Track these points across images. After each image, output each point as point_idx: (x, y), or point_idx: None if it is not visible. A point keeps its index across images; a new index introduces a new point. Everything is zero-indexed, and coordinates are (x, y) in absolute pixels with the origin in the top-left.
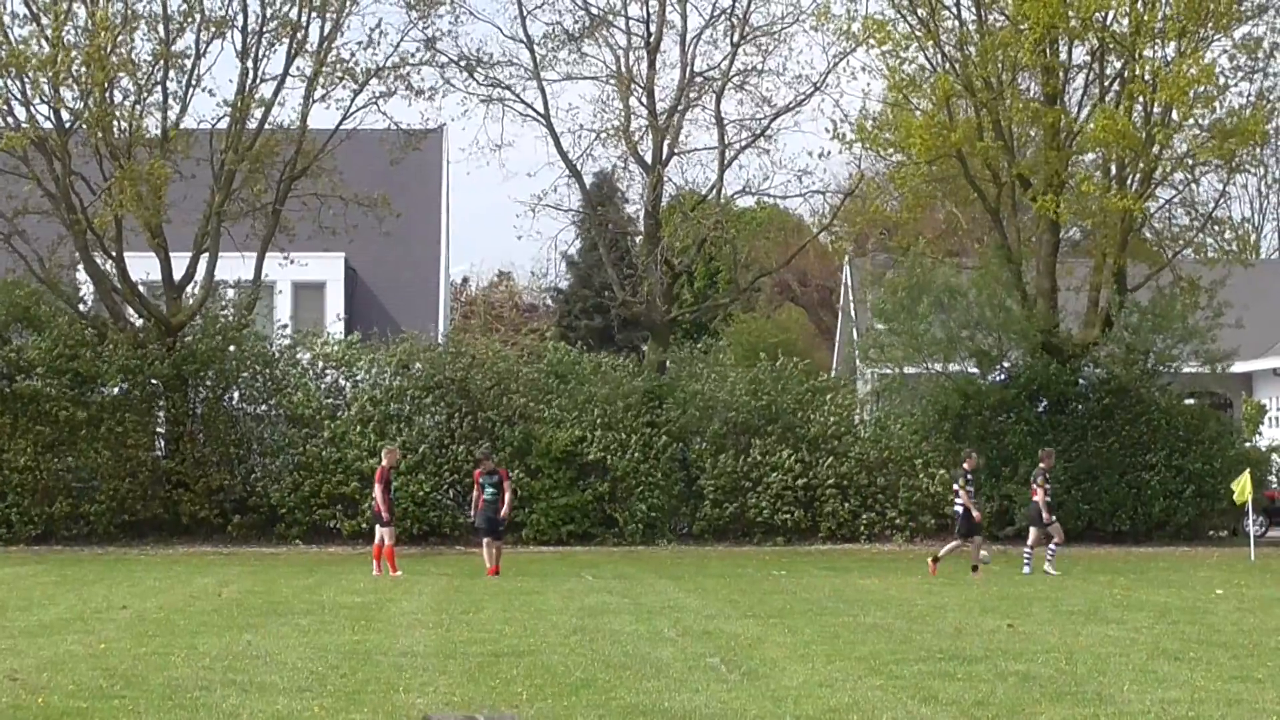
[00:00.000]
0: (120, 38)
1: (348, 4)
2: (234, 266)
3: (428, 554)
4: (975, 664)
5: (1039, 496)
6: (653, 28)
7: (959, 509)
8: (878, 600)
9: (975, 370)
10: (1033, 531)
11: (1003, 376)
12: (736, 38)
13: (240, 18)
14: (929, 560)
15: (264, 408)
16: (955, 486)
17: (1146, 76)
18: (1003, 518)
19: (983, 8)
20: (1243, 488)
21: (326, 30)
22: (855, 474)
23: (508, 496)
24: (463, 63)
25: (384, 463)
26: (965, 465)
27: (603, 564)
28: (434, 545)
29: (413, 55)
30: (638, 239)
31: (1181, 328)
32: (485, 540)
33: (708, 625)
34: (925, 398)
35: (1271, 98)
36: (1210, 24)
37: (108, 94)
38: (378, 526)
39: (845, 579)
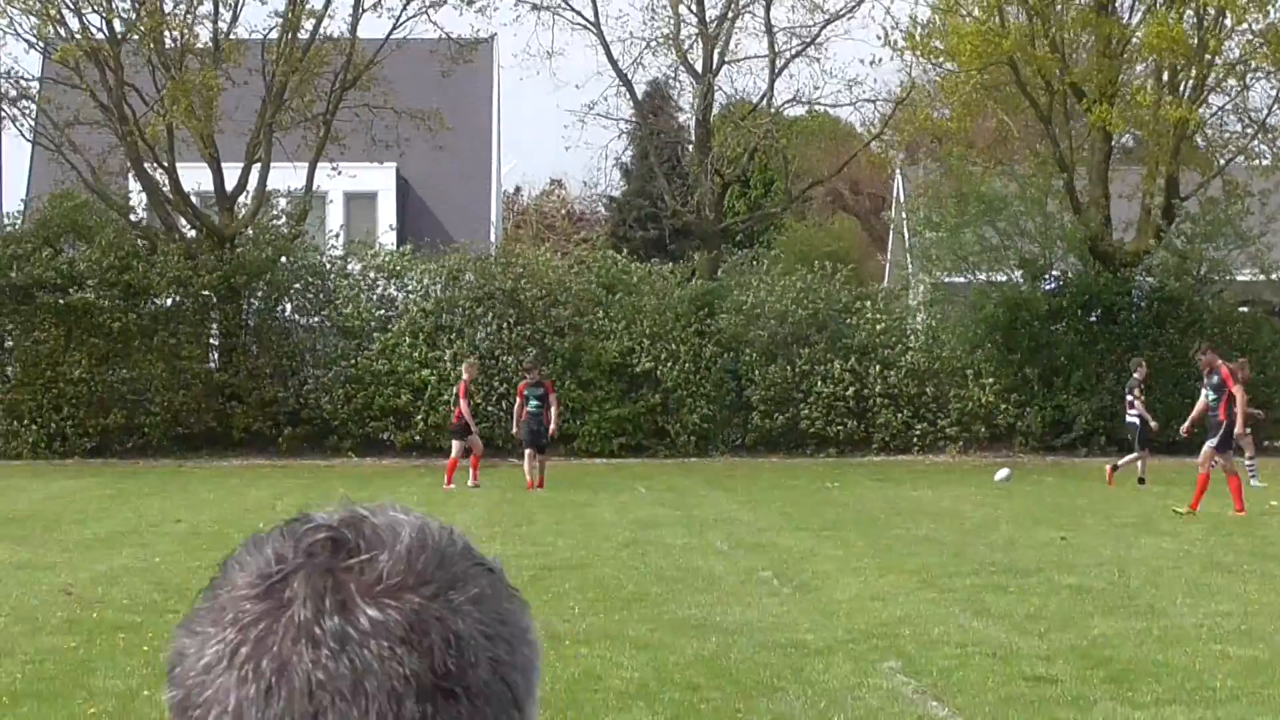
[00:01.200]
0: None
1: None
2: (286, 177)
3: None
4: (1027, 577)
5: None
6: None
7: (1133, 419)
8: (930, 512)
9: (1027, 278)
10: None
11: (1052, 285)
12: None
13: None
14: (1106, 468)
15: (316, 319)
16: (1129, 397)
17: None
18: (1056, 428)
19: None
20: None
21: None
22: (905, 384)
23: (554, 410)
24: None
25: (465, 376)
26: (1136, 374)
27: (655, 476)
28: (487, 458)
29: None
30: (689, 149)
31: (1233, 234)
32: (528, 453)
33: (760, 538)
34: (974, 308)
35: None
36: None
37: (159, 3)
38: (454, 440)
39: (897, 490)
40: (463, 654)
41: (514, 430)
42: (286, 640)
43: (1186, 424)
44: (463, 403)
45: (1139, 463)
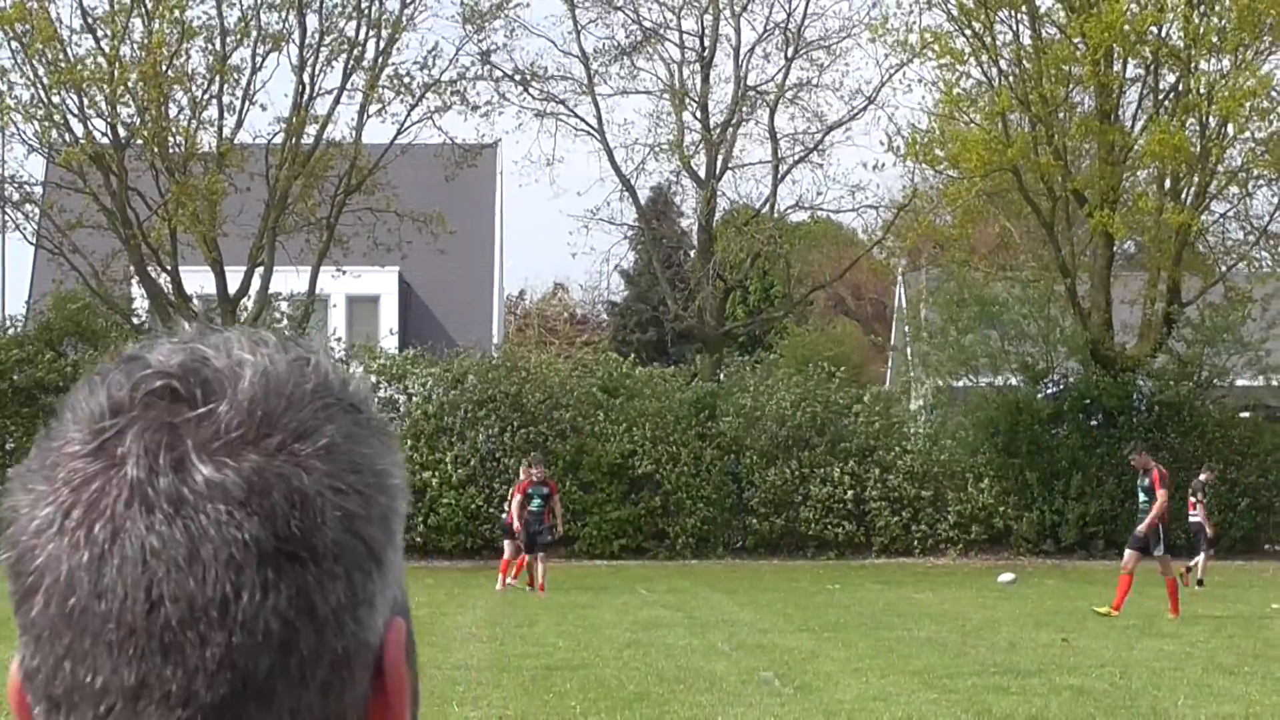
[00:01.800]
0: (175, 52)
1: (404, 21)
2: (288, 280)
3: (480, 568)
4: (1029, 678)
5: (1199, 514)
6: (706, 42)
7: (1195, 520)
8: (932, 614)
9: (1027, 382)
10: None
11: (1052, 389)
12: (790, 52)
13: (296, 33)
14: (1183, 571)
15: None
16: (1192, 499)
17: (1201, 90)
18: (1054, 533)
19: (1038, 21)
20: None
21: (382, 46)
22: (904, 487)
23: (558, 509)
24: (518, 77)
25: (522, 477)
26: (1202, 477)
27: (656, 578)
28: (487, 559)
29: (468, 70)
30: (691, 253)
31: (1234, 340)
32: (527, 557)
33: (761, 639)
34: (974, 411)
35: None
36: (1268, 37)
37: (163, 109)
38: (507, 540)
39: (899, 593)
40: (308, 514)
41: (515, 527)
42: (119, 503)
43: (1141, 527)
44: (516, 498)
45: (1199, 565)
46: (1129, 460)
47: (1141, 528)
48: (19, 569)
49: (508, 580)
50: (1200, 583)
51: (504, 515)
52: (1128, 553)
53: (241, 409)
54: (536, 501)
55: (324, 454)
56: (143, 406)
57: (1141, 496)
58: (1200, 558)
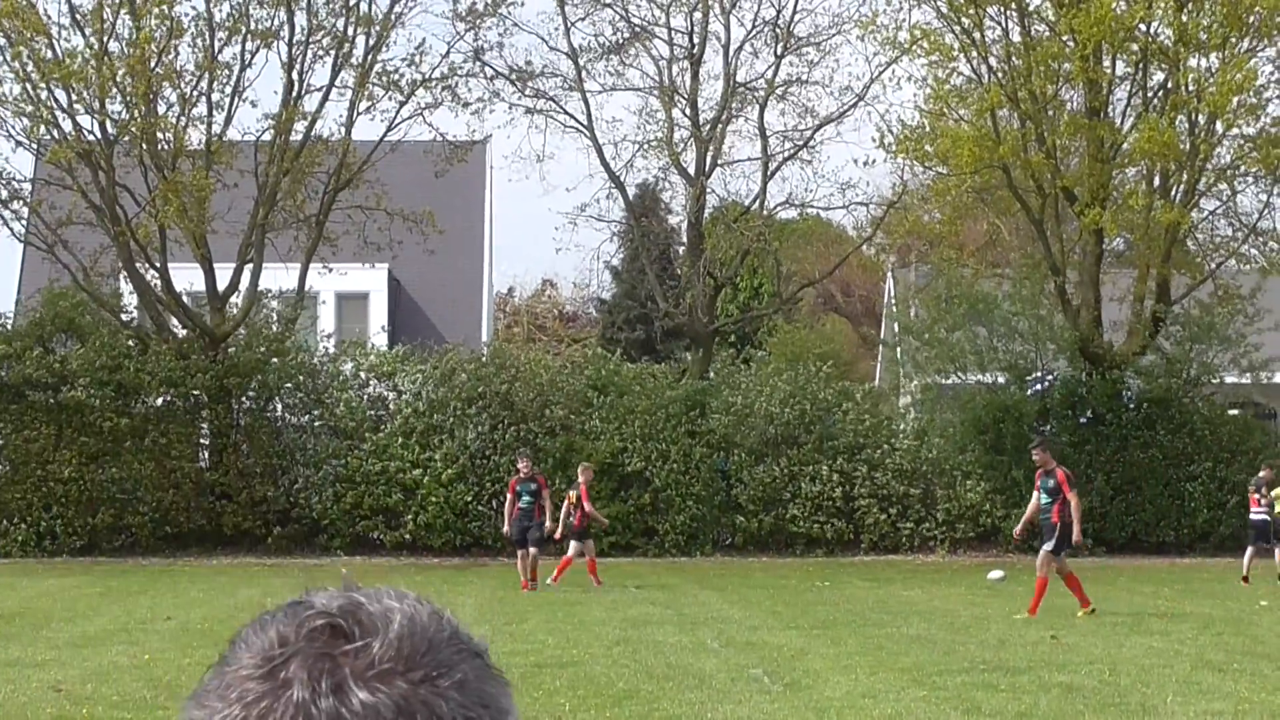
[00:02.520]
0: (164, 48)
1: (393, 18)
2: (278, 277)
3: (470, 565)
4: (1019, 675)
5: (1262, 509)
6: (695, 38)
7: (1258, 517)
8: (921, 611)
9: (1013, 380)
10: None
11: (1039, 387)
12: (780, 48)
13: (286, 29)
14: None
15: (307, 419)
16: (1255, 495)
17: (1189, 87)
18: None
19: (1027, 18)
20: None
21: (372, 43)
22: (893, 484)
23: (547, 506)
24: (509, 74)
25: (581, 479)
26: (1262, 474)
27: (645, 575)
28: (476, 557)
29: (459, 67)
30: (680, 250)
31: (1220, 337)
32: (520, 553)
33: (751, 636)
34: (963, 408)
35: None
36: (1253, 34)
37: (152, 105)
38: (572, 541)
39: (888, 590)
40: None
41: (504, 529)
42: (285, 719)
43: (1019, 526)
44: (586, 505)
45: (1254, 558)
46: (1031, 455)
47: (1076, 535)
48: None
49: (552, 579)
50: (1246, 579)
51: (574, 516)
52: (1042, 555)
53: (392, 645)
54: (525, 498)
55: (459, 688)
56: (307, 640)
57: (1044, 498)
58: (1250, 552)
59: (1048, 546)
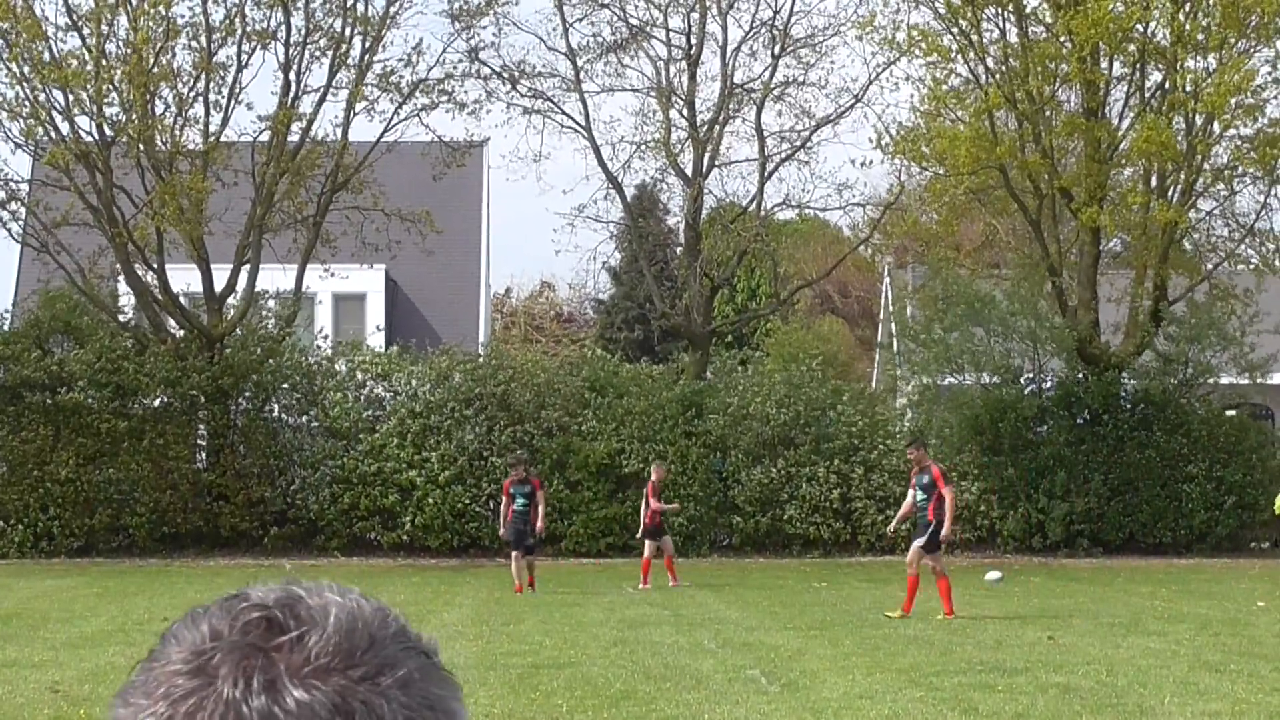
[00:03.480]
0: (161, 49)
1: (389, 19)
2: (275, 278)
3: (467, 566)
4: (1016, 676)
5: None
6: (693, 40)
7: None
8: (918, 612)
9: (1010, 381)
10: None
11: (1034, 388)
12: (778, 49)
13: (282, 30)
14: None
15: (303, 419)
16: None
17: (1187, 87)
18: (1040, 531)
19: (1024, 19)
20: None
21: (368, 44)
22: (890, 485)
23: (541, 508)
24: (505, 74)
25: (654, 477)
26: None
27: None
28: (473, 558)
29: (455, 67)
30: (678, 251)
31: (1218, 336)
32: (514, 554)
33: (748, 637)
34: (959, 409)
35: None
36: (1252, 34)
37: (149, 107)
38: (647, 541)
39: (885, 590)
40: None
41: (500, 531)
42: (214, 717)
43: (893, 523)
44: (653, 502)
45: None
46: (906, 455)
47: (946, 530)
48: None
49: (645, 582)
50: None
51: (645, 516)
52: (912, 552)
53: (329, 640)
54: (520, 500)
55: (402, 686)
56: (240, 634)
57: (919, 495)
58: None
59: (919, 543)
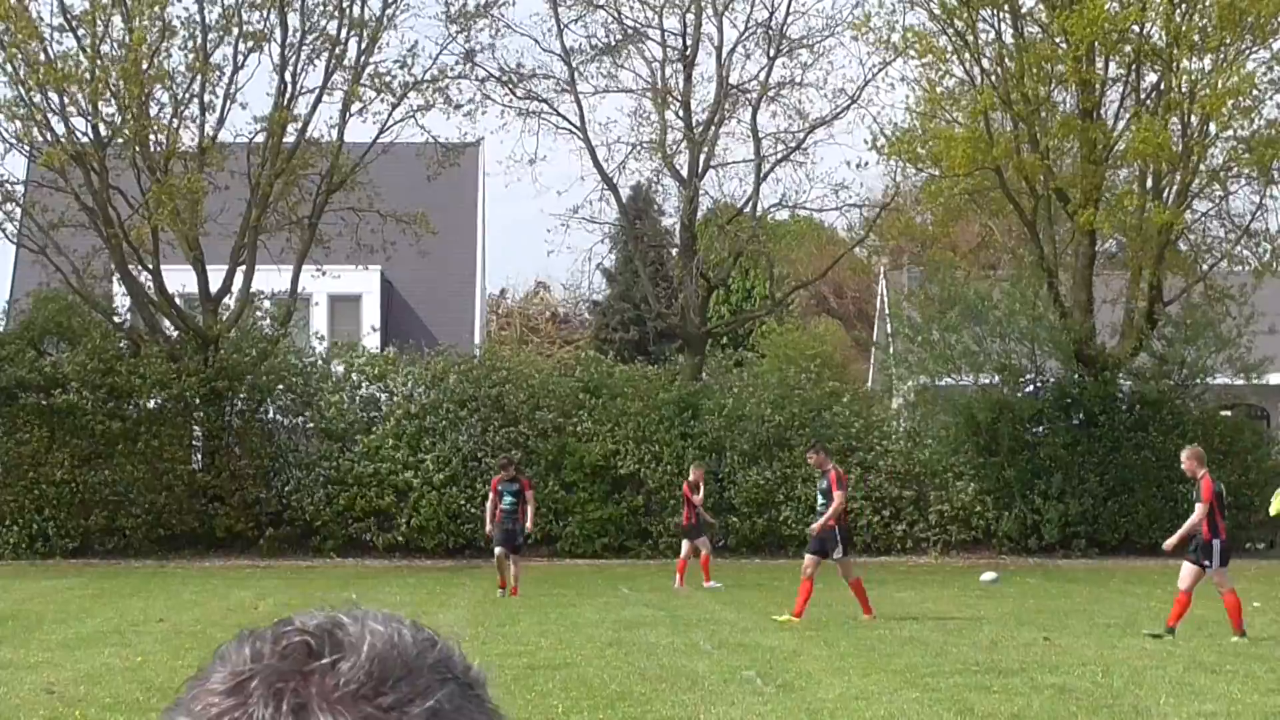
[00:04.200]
0: (156, 50)
1: (385, 20)
2: (270, 279)
3: (462, 567)
4: (1011, 677)
5: None
6: (688, 41)
7: None
8: (914, 613)
9: (1007, 382)
10: None
11: (1031, 389)
12: (773, 50)
13: (278, 31)
14: None
15: (299, 420)
16: None
17: (1183, 89)
18: (1036, 531)
19: (1020, 20)
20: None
21: (364, 45)
22: (885, 486)
23: (530, 508)
24: (502, 76)
25: (691, 477)
26: None
27: (638, 577)
28: (469, 559)
29: (451, 69)
30: (674, 252)
31: (1213, 337)
32: (499, 552)
33: (744, 638)
34: (956, 410)
35: None
36: (1249, 36)
37: (144, 107)
38: (685, 540)
39: (881, 591)
40: None
41: (486, 529)
42: None
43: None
44: (695, 499)
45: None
46: (806, 458)
47: (815, 526)
48: None
49: (680, 582)
50: None
51: (683, 515)
52: (807, 557)
53: (361, 668)
54: (508, 499)
55: (430, 716)
56: (279, 658)
57: (819, 499)
58: None
59: (837, 554)
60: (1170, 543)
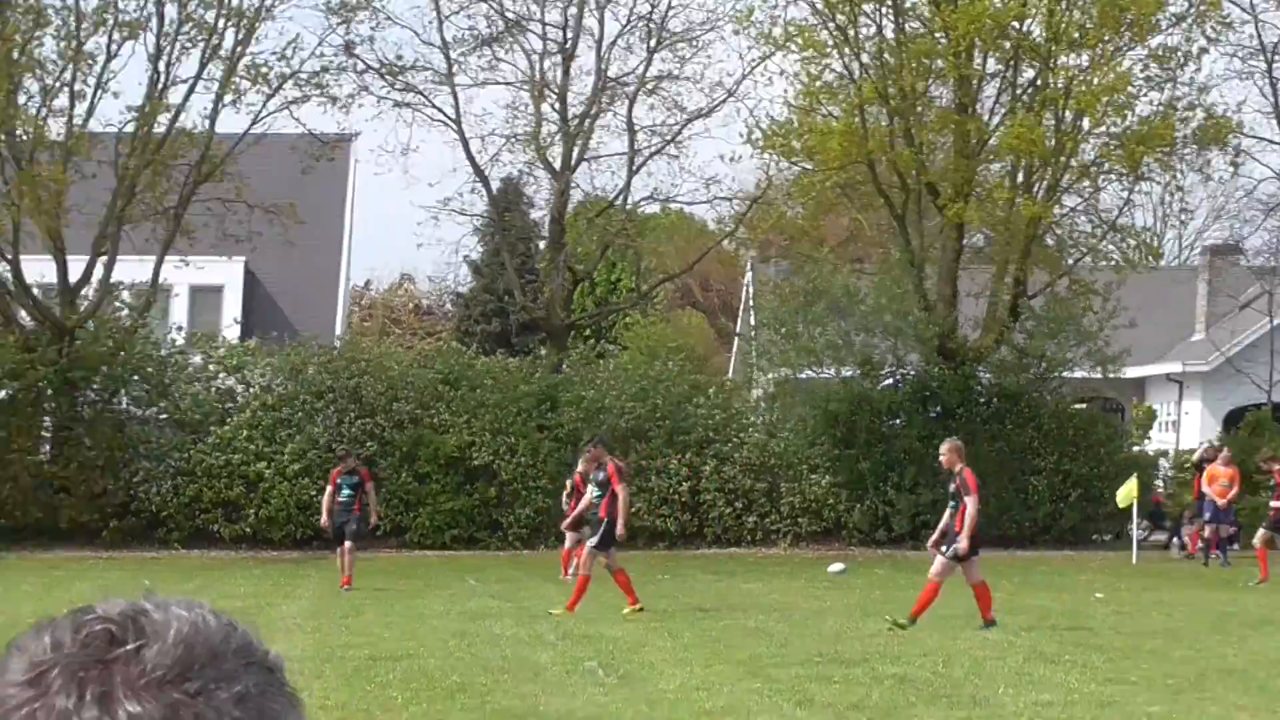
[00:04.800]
0: (29, 40)
1: (264, 11)
2: (132, 270)
3: (309, 558)
4: (853, 667)
5: None
6: (569, 33)
7: None
8: (760, 604)
9: (867, 375)
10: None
11: (890, 381)
12: (654, 43)
13: (155, 21)
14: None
15: (152, 411)
16: None
17: (1059, 84)
18: (886, 523)
19: (902, 15)
20: (1128, 492)
21: (241, 36)
22: (740, 478)
23: (372, 499)
24: (380, 68)
25: (579, 469)
26: None
27: (487, 568)
28: (316, 550)
29: (331, 61)
30: (541, 245)
31: (1075, 331)
32: (341, 547)
33: (588, 629)
34: (815, 402)
35: (1181, 106)
36: (1128, 33)
37: (12, 97)
38: (569, 531)
39: (729, 583)
40: None
41: (322, 521)
42: None
43: (568, 521)
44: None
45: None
46: (586, 451)
47: (620, 529)
48: None
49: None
50: None
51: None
52: (594, 552)
53: (166, 653)
54: (346, 491)
55: (238, 702)
56: (79, 646)
57: (595, 492)
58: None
59: (592, 542)
60: (963, 545)
